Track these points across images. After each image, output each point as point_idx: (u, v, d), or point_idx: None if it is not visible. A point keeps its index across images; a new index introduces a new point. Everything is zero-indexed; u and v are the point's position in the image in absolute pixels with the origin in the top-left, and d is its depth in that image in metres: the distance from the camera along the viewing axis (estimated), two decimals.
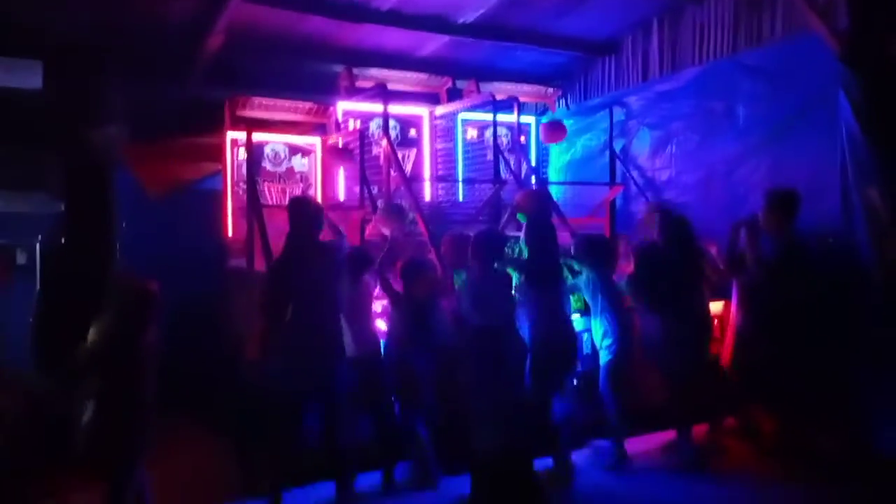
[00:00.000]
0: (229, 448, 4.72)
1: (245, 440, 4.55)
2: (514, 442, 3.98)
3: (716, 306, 5.33)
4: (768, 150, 5.73)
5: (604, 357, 4.66)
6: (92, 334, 3.53)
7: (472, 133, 7.37)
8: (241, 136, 6.10)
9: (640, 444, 4.89)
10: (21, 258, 6.19)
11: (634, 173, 7.10)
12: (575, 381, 4.75)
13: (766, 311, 4.78)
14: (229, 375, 5.04)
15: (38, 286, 6.22)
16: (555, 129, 6.97)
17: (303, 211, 4.16)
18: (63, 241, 6.44)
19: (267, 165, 6.47)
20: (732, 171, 6.03)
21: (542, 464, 4.38)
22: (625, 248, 5.61)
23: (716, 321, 5.24)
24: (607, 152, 7.26)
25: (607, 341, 4.62)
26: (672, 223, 4.80)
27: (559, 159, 8.07)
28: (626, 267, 5.16)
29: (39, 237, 6.31)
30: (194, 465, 4.64)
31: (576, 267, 4.79)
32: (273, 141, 6.48)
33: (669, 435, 4.86)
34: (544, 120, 7.85)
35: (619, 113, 7.27)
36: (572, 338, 4.53)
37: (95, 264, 6.45)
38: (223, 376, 5.20)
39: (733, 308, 5.08)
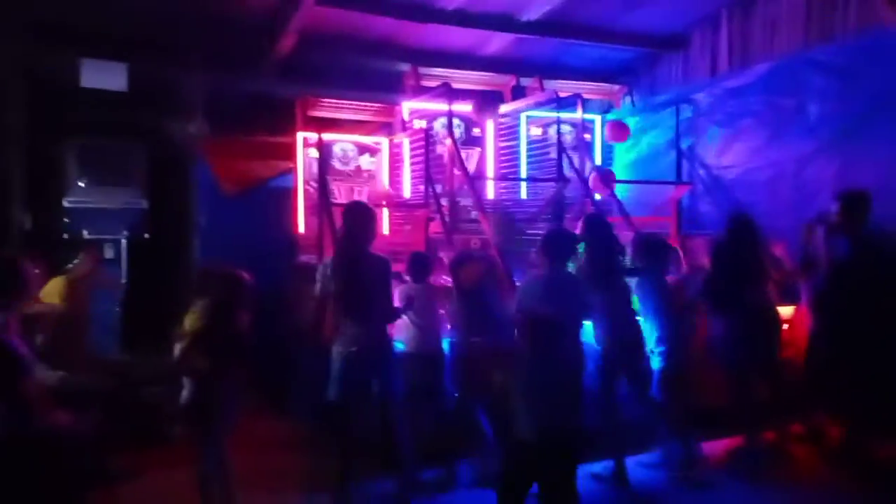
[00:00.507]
0: (299, 437, 4.95)
1: (312, 431, 4.77)
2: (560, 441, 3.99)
3: (786, 310, 5.24)
4: (839, 149, 5.60)
5: (656, 363, 4.62)
6: (192, 319, 3.84)
7: (536, 131, 7.40)
8: (311, 135, 6.33)
9: (705, 449, 4.79)
10: (109, 252, 6.61)
11: (701, 171, 7.02)
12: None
13: (837, 314, 4.68)
14: (294, 366, 5.29)
15: (124, 278, 6.64)
16: (618, 129, 6.95)
17: (356, 218, 4.23)
18: (146, 234, 6.86)
19: (336, 164, 6.69)
20: (802, 169, 5.91)
21: (604, 465, 4.42)
22: (701, 248, 5.57)
23: (786, 325, 5.16)
24: (674, 150, 7.18)
25: (660, 347, 4.59)
26: (738, 222, 4.76)
27: (624, 157, 8.02)
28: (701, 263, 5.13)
29: (125, 231, 6.72)
30: (265, 452, 4.88)
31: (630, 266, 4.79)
32: (341, 140, 6.70)
33: (736, 440, 4.81)
34: (609, 118, 7.84)
35: (686, 110, 7.18)
36: (638, 337, 4.56)
37: (176, 256, 6.86)
38: (290, 366, 5.47)
39: (804, 310, 5.00)
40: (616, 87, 7.90)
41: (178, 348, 3.88)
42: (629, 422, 4.52)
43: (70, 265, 5.03)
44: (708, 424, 4.83)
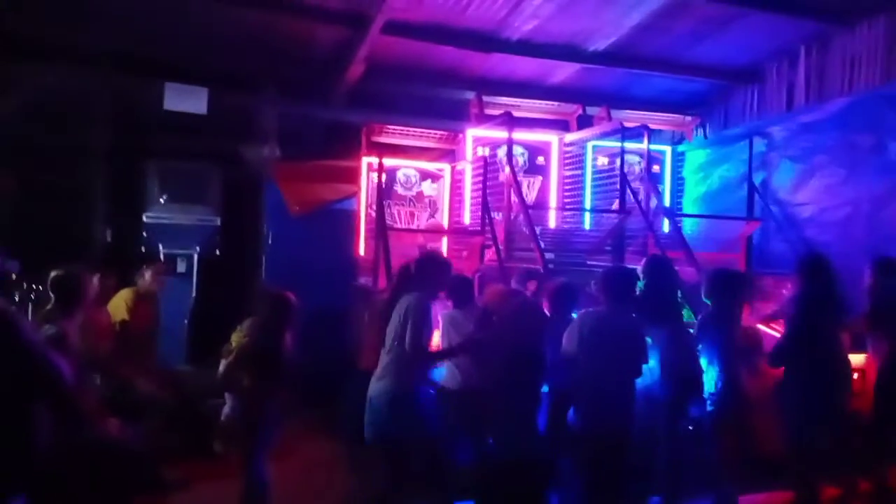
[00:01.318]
0: (344, 459, 5.01)
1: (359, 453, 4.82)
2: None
3: (857, 358, 4.95)
4: None
5: (709, 405, 4.45)
6: (238, 337, 4.00)
7: (603, 161, 7.31)
8: (375, 160, 6.48)
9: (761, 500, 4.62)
10: (181, 266, 6.93)
11: (774, 208, 6.75)
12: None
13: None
14: (347, 385, 5.37)
15: (193, 292, 6.95)
16: None
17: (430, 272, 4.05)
18: (217, 251, 7.17)
19: (398, 189, 6.82)
20: (879, 209, 5.61)
21: None
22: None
23: (856, 374, 4.87)
24: (745, 184, 6.95)
25: (713, 390, 4.40)
26: (818, 268, 4.53)
27: (695, 190, 7.81)
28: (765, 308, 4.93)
29: (197, 247, 7.04)
30: (310, 472, 4.96)
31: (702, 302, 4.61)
32: (405, 165, 6.82)
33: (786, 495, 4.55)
34: (681, 149, 7.68)
35: (759, 144, 6.95)
36: (700, 376, 4.41)
37: (244, 274, 7.13)
38: (344, 385, 5.55)
39: (873, 359, 4.72)
40: (687, 118, 7.74)
41: (223, 364, 4.04)
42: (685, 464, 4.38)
43: (139, 278, 5.28)
44: (765, 475, 4.62)
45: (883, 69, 5.98)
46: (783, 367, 4.47)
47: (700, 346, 4.46)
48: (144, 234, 6.91)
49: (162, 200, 6.97)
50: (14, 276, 5.77)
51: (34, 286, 5.49)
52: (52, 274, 4.12)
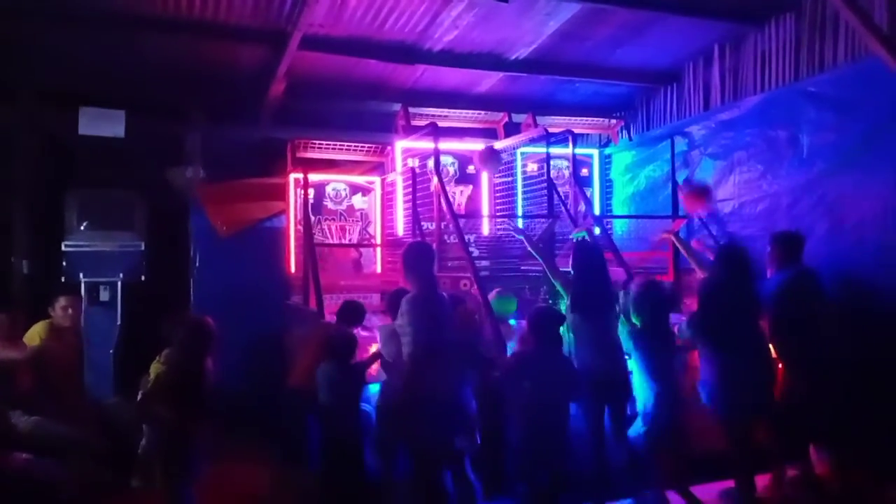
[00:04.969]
0: (288, 477, 4.87)
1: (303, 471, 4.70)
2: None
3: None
4: (834, 180, 5.46)
5: (640, 422, 4.42)
6: (156, 366, 3.85)
7: (532, 167, 7.36)
8: (302, 176, 6.38)
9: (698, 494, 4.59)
10: (104, 295, 6.67)
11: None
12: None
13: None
14: (282, 404, 5.23)
15: (118, 321, 6.69)
16: (695, 196, 6.39)
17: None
18: (143, 277, 6.92)
19: (328, 204, 6.72)
20: (797, 201, 5.77)
21: None
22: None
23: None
24: (670, 184, 7.09)
25: (647, 408, 4.41)
26: (734, 257, 4.63)
27: (623, 191, 7.94)
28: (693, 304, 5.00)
29: (121, 274, 6.78)
30: (246, 498, 4.81)
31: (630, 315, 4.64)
32: (334, 180, 6.74)
33: (728, 483, 4.60)
34: (607, 152, 7.80)
35: (681, 143, 7.10)
36: (625, 374, 4.44)
37: (171, 299, 6.90)
38: (279, 405, 5.41)
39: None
40: (612, 121, 7.88)
41: (140, 395, 3.88)
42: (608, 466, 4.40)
43: (53, 309, 5.06)
44: (700, 468, 4.66)
45: (793, 65, 6.18)
46: (699, 345, 4.56)
47: (633, 346, 4.50)
48: (64, 263, 6.63)
49: (82, 228, 6.71)
50: None
51: None
52: None
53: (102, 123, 6.43)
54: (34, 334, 4.91)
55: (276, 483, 4.78)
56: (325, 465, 4.15)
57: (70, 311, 5.11)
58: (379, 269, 6.69)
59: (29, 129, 6.54)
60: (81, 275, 6.57)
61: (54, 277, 6.56)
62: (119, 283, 6.69)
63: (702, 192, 6.39)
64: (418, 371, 3.98)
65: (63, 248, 6.62)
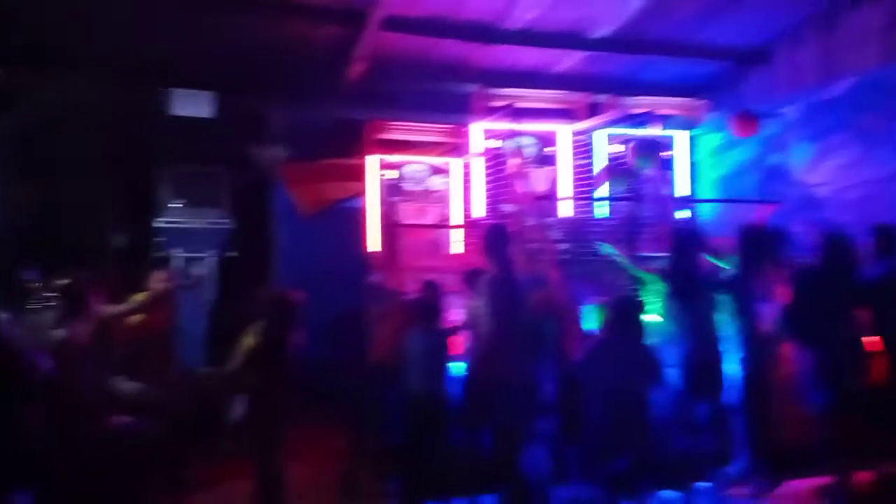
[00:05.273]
0: (368, 446, 5.00)
1: (383, 445, 4.83)
2: None
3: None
4: None
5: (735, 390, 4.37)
6: (247, 339, 4.05)
7: (614, 149, 7.23)
8: (381, 157, 6.49)
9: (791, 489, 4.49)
10: (196, 269, 7.01)
11: (790, 190, 6.60)
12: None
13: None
14: (362, 377, 5.37)
15: (207, 294, 7.02)
16: (745, 122, 6.45)
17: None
18: (230, 253, 7.24)
19: (407, 185, 6.80)
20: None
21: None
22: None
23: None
24: (760, 167, 6.82)
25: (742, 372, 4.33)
26: (833, 245, 4.44)
27: (709, 175, 7.68)
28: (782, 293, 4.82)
29: (211, 250, 7.12)
30: (331, 467, 4.96)
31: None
32: (412, 161, 6.80)
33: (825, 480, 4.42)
34: (693, 134, 7.55)
35: (773, 125, 6.80)
36: (719, 361, 4.34)
37: (257, 274, 7.18)
38: (360, 378, 5.55)
39: None
40: (698, 102, 7.58)
41: (232, 366, 4.08)
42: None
43: (150, 282, 5.34)
44: (794, 463, 4.51)
45: (890, 46, 5.81)
46: (793, 339, 4.39)
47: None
48: (159, 238, 7.01)
49: (174, 205, 7.07)
50: (35, 284, 5.90)
51: (51, 293, 5.60)
52: (62, 281, 4.26)
53: (192, 104, 6.68)
54: (133, 304, 5.18)
55: (356, 451, 4.92)
56: (407, 432, 4.24)
57: (166, 283, 5.37)
58: (455, 251, 6.74)
59: (123, 109, 6.87)
60: (175, 249, 6.96)
61: (149, 251, 6.96)
62: (209, 258, 7.03)
63: (752, 118, 6.31)
64: (493, 351, 4.03)
65: (158, 224, 7.03)
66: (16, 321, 3.74)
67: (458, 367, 4.55)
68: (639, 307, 4.25)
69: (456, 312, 4.80)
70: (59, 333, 3.96)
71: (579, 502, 4.28)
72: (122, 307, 4.98)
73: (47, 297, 5.72)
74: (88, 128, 6.83)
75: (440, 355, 4.33)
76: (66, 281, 4.23)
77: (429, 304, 4.43)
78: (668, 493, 4.28)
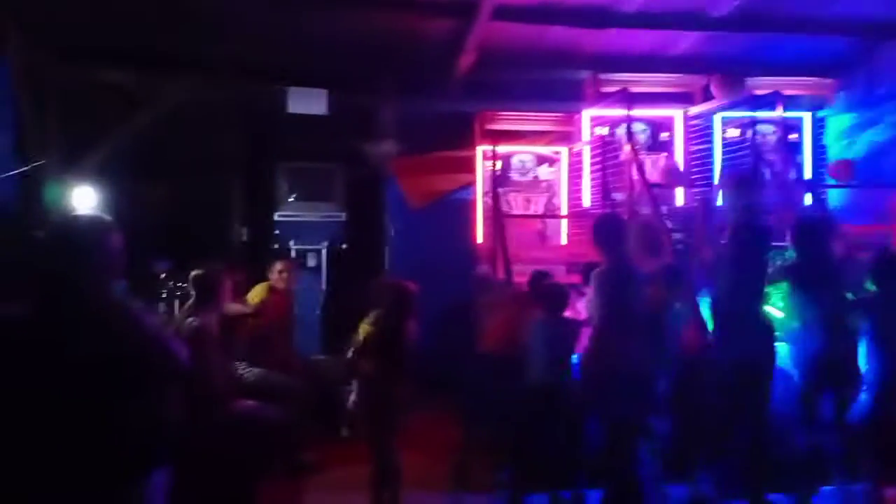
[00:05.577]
0: (482, 442, 5.04)
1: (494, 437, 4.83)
2: None
3: None
4: None
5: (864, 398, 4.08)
6: (364, 327, 4.17)
7: (734, 133, 6.87)
8: (490, 148, 6.47)
9: None
10: (311, 261, 7.27)
11: None
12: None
13: None
14: (473, 367, 5.39)
15: (323, 284, 7.25)
16: (843, 168, 6.32)
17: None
18: (344, 245, 7.45)
19: (514, 175, 6.76)
20: None
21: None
22: None
23: None
24: None
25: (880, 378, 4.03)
26: None
27: (840, 158, 7.16)
28: None
29: (325, 242, 7.35)
30: (444, 457, 5.01)
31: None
32: (520, 151, 6.75)
33: None
34: (821, 115, 7.06)
35: None
36: (850, 358, 4.06)
37: (369, 266, 7.35)
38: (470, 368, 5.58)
39: None
40: (826, 81, 7.08)
41: (350, 353, 4.21)
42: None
43: (271, 273, 5.58)
44: None
45: None
46: None
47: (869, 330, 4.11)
48: (276, 231, 7.31)
49: (291, 199, 7.36)
50: (163, 275, 6.31)
51: (180, 284, 5.96)
52: (192, 273, 4.52)
53: (308, 102, 6.89)
54: (255, 294, 5.44)
55: (469, 441, 4.95)
56: (523, 422, 4.22)
57: (285, 274, 5.59)
58: (565, 241, 6.64)
59: (242, 106, 7.19)
60: (291, 242, 7.24)
61: (268, 244, 7.27)
62: (324, 250, 7.27)
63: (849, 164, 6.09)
64: (605, 345, 3.94)
65: (275, 217, 7.33)
66: (150, 311, 3.97)
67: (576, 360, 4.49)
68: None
69: (579, 304, 4.73)
70: (192, 322, 4.21)
71: (689, 502, 4.13)
72: (248, 301, 5.24)
73: (177, 289, 6.11)
74: (209, 127, 7.21)
75: (565, 344, 4.27)
76: (197, 272, 4.47)
77: (556, 293, 4.38)
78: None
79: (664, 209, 6.20)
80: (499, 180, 6.45)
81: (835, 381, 4.03)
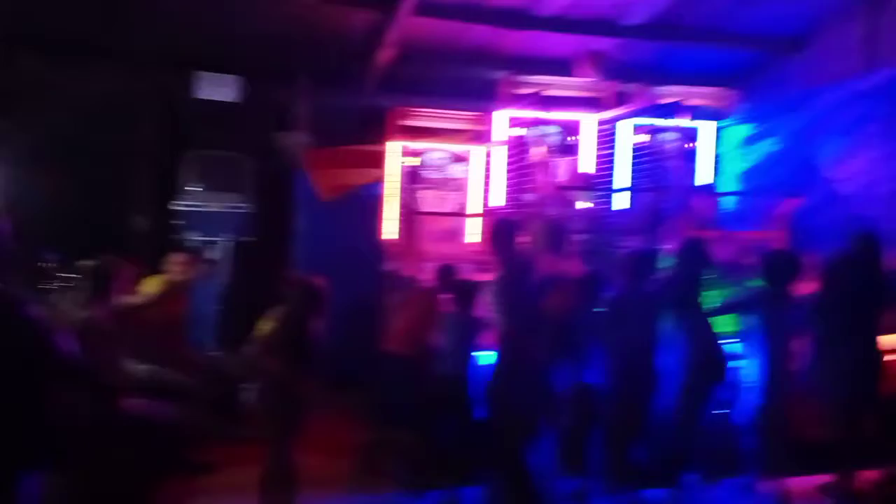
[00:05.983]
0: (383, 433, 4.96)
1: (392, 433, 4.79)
2: None
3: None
4: None
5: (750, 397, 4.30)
6: (266, 323, 4.02)
7: (639, 139, 7.07)
8: (403, 144, 6.41)
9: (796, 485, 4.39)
10: (213, 253, 6.99)
11: (818, 183, 6.44)
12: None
13: None
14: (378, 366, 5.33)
15: (224, 278, 6.99)
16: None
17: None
18: (250, 237, 7.21)
19: (426, 172, 6.71)
20: None
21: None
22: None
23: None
24: (788, 160, 6.65)
25: (763, 378, 4.24)
26: (861, 240, 4.33)
27: (736, 166, 7.52)
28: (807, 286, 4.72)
29: (228, 234, 7.09)
30: (344, 455, 4.92)
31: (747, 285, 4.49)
32: (433, 148, 6.71)
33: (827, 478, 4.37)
34: (721, 124, 7.38)
35: (804, 117, 6.63)
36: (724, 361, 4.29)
37: (275, 259, 7.15)
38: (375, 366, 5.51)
39: None
40: (728, 91, 7.39)
41: (250, 350, 4.05)
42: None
43: (167, 265, 5.33)
44: (803, 460, 4.40)
45: None
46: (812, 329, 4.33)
47: (742, 328, 4.33)
48: (177, 222, 6.98)
49: (194, 189, 7.04)
50: (53, 266, 5.92)
51: (71, 275, 5.61)
52: (85, 263, 4.25)
53: (217, 88, 6.66)
54: (149, 287, 5.18)
55: (371, 438, 4.89)
56: (423, 416, 4.19)
57: (183, 267, 5.36)
58: (474, 240, 6.65)
59: (148, 91, 6.86)
60: (193, 233, 6.93)
61: (168, 235, 6.94)
62: (227, 242, 7.01)
63: None
64: (504, 350, 3.99)
65: (176, 207, 7.01)
66: (38, 302, 3.73)
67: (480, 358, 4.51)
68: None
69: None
70: (82, 315, 3.97)
71: (582, 496, 4.24)
72: (142, 294, 4.98)
73: (67, 280, 5.75)
74: (117, 113, 6.84)
75: (469, 339, 4.27)
76: (90, 263, 4.23)
77: (464, 287, 4.37)
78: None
79: (572, 211, 6.34)
80: (411, 177, 6.39)
81: (710, 383, 4.23)
